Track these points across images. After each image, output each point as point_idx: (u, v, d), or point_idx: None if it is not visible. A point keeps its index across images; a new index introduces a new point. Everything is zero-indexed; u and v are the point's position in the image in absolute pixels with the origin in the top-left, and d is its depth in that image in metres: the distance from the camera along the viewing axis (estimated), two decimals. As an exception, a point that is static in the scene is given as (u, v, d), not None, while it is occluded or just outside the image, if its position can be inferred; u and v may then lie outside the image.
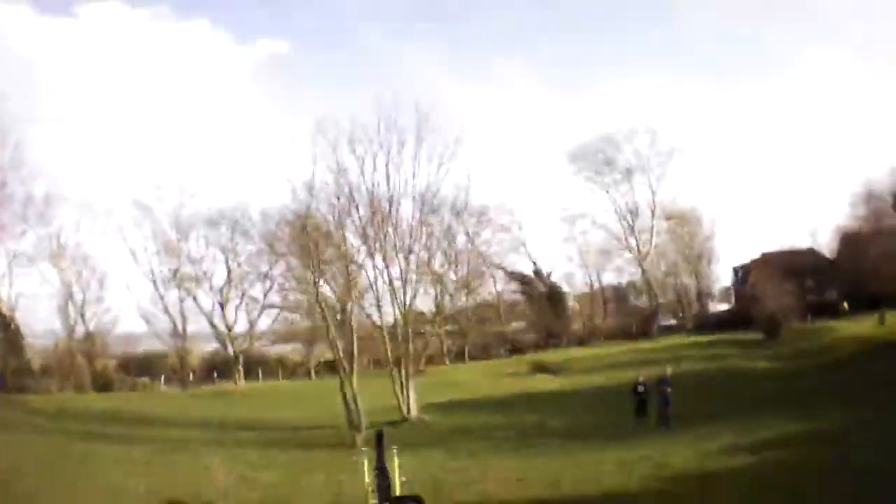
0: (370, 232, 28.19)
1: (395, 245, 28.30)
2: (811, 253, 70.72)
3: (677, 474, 14.50)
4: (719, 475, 13.91)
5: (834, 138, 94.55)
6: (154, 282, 51.23)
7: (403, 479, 13.08)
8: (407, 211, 28.91)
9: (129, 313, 64.05)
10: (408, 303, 27.84)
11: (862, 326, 42.64)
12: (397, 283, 28.09)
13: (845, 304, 60.13)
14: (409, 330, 27.93)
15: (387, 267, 28.17)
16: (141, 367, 53.24)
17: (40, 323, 49.58)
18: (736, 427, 18.59)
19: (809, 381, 26.50)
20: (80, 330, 50.94)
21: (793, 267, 66.55)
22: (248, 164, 66.12)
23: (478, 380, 41.10)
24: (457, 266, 54.32)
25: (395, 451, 13.50)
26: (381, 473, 12.10)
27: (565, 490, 14.19)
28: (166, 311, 51.33)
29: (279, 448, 21.74)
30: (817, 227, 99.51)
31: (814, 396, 22.65)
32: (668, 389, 21.95)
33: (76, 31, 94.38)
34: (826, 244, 70.57)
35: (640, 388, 22.95)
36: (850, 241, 60.78)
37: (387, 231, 28.35)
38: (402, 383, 26.66)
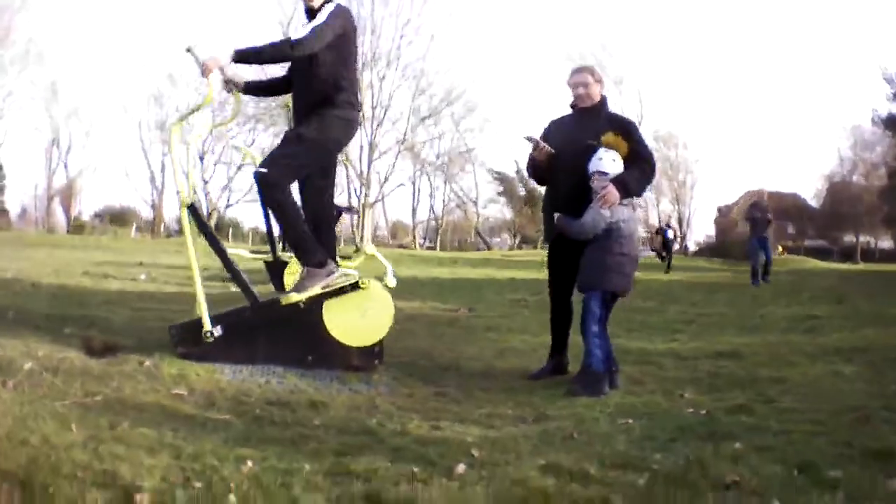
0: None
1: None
2: (794, 198, 70.59)
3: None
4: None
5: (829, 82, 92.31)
6: (140, 135, 51.66)
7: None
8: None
9: (111, 164, 64.01)
10: (375, 130, 27.50)
11: (837, 265, 42.96)
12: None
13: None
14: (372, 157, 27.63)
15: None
16: (116, 218, 53.97)
17: (25, 167, 50.53)
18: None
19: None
20: (61, 176, 51.59)
21: (776, 209, 66.57)
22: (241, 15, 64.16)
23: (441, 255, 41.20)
24: (439, 145, 52.74)
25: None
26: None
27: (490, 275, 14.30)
28: (147, 162, 51.62)
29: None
30: (803, 175, 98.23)
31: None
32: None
33: None
34: (812, 193, 70.33)
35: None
36: (834, 189, 60.65)
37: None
38: (359, 218, 26.66)
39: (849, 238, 61.48)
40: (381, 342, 3.96)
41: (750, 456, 2.65)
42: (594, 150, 3.93)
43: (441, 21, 72.35)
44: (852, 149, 55.59)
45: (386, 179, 29.21)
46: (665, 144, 63.97)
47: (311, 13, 3.95)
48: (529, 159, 4.23)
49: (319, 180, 4.09)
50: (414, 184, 52.39)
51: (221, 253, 4.01)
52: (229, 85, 4.03)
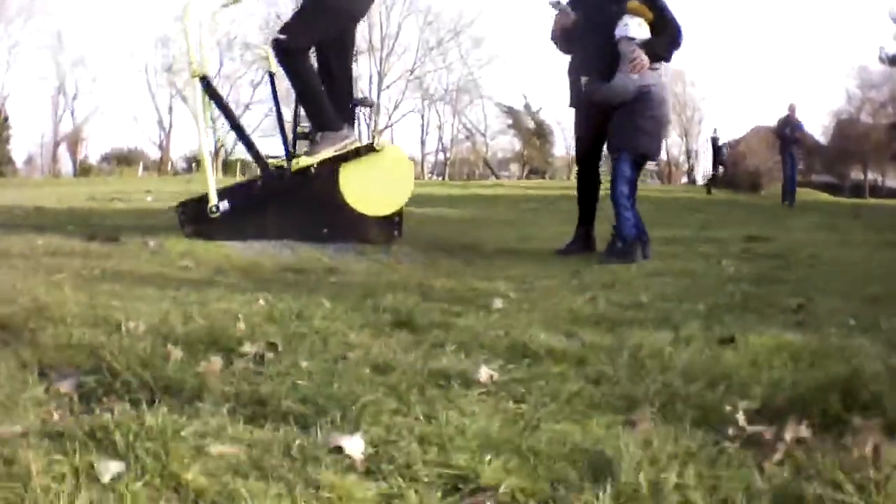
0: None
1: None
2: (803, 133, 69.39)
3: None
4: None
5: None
6: (147, 78, 50.19)
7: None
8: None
9: (118, 109, 62.51)
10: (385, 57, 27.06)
11: (847, 200, 42.97)
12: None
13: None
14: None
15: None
16: (123, 160, 53.33)
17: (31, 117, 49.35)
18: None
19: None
20: (67, 123, 50.81)
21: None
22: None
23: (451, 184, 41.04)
24: (448, 77, 50.95)
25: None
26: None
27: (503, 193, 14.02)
28: (155, 104, 50.47)
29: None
30: (810, 112, 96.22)
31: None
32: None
33: None
34: (819, 130, 69.13)
35: None
36: (842, 126, 59.70)
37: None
38: (373, 134, 26.65)
39: (855, 175, 60.82)
40: (400, 213, 3.72)
41: (809, 291, 2.44)
42: (619, 16, 3.69)
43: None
44: (860, 88, 54.31)
45: (396, 107, 28.92)
46: (673, 81, 62.64)
47: None
48: (554, 26, 3.97)
49: (336, 60, 3.83)
50: (423, 116, 51.42)
51: (234, 122, 3.78)
52: None
